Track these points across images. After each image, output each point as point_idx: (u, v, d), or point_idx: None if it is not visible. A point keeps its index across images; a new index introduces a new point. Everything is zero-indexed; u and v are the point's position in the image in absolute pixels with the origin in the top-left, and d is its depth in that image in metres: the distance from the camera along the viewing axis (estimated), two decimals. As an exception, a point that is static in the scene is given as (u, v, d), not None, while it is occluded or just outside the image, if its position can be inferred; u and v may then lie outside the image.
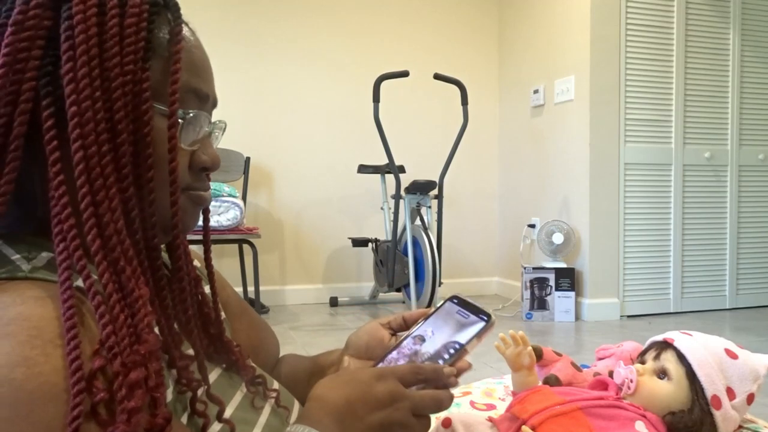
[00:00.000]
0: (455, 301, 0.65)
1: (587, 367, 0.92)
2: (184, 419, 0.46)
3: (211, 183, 0.57)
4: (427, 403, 0.52)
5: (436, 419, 0.81)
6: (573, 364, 0.88)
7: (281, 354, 0.83)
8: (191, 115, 0.49)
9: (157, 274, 0.48)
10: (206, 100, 0.52)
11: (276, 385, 0.63)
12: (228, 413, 0.52)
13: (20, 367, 0.34)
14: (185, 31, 0.50)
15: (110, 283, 0.40)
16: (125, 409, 0.36)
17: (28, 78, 0.41)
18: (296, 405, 0.64)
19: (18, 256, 0.43)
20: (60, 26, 0.42)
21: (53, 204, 0.41)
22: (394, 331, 0.70)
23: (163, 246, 0.54)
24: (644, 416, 0.70)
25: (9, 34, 0.41)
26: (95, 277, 0.41)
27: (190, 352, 0.52)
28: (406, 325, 0.70)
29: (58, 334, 0.37)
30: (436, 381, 0.53)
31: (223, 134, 0.58)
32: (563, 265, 3.15)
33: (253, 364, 0.61)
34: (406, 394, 0.51)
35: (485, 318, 0.59)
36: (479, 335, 0.58)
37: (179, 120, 0.48)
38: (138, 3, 0.45)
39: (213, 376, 0.55)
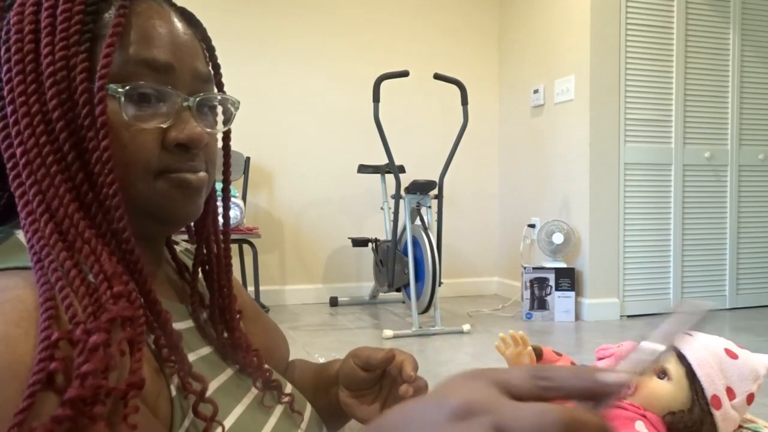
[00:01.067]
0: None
1: (587, 367, 0.92)
2: (186, 422, 0.45)
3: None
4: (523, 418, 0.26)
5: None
6: (573, 364, 0.88)
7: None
8: (147, 90, 0.47)
9: (130, 256, 0.46)
10: (168, 72, 0.48)
11: (290, 388, 0.63)
12: (237, 413, 0.51)
13: (1, 343, 0.35)
14: (141, 6, 0.48)
15: (67, 260, 0.41)
16: (80, 373, 0.35)
17: None
18: (309, 409, 0.64)
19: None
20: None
21: (18, 204, 0.43)
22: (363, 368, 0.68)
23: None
24: (644, 416, 0.70)
25: None
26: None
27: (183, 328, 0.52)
28: (370, 366, 0.67)
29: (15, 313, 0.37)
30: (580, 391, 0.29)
31: (233, 111, 0.56)
32: (563, 265, 3.15)
33: (270, 368, 0.61)
34: (489, 407, 0.27)
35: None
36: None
37: (117, 94, 0.45)
38: None
39: (224, 377, 0.54)
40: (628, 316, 3.17)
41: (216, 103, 0.54)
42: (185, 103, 0.49)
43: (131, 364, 0.39)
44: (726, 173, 3.36)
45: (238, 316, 0.60)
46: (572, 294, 3.10)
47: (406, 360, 0.65)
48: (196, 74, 0.51)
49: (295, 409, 0.60)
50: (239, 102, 0.56)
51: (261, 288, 3.20)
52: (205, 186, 0.53)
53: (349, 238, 3.50)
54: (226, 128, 0.57)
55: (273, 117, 3.52)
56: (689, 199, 3.29)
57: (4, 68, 0.44)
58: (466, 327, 2.82)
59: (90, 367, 0.36)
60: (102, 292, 0.40)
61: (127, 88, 0.46)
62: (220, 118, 0.55)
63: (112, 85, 0.45)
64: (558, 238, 3.11)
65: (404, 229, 2.99)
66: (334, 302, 3.51)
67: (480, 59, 3.94)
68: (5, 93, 0.44)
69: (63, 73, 0.44)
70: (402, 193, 2.95)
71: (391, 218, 3.07)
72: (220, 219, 0.60)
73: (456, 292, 3.84)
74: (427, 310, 2.87)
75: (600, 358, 0.92)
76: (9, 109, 0.43)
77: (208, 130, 0.51)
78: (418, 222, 3.00)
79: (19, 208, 0.43)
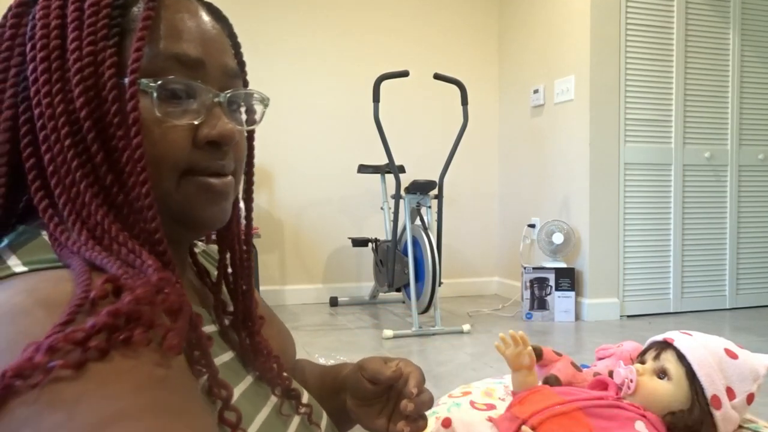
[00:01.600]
0: None
1: (587, 367, 0.92)
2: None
3: None
4: None
5: (435, 419, 0.81)
6: (573, 364, 0.88)
7: None
8: (177, 86, 0.45)
9: (163, 258, 0.45)
10: (198, 67, 0.47)
11: (307, 398, 0.61)
12: (259, 422, 0.50)
13: (19, 295, 0.36)
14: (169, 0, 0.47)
15: (107, 258, 0.40)
16: (134, 296, 0.35)
17: (10, 86, 0.42)
18: (325, 419, 0.63)
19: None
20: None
21: (43, 211, 0.42)
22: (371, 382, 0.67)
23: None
24: (644, 416, 0.70)
25: None
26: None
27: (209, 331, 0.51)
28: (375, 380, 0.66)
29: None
30: None
31: (263, 108, 0.53)
32: (563, 265, 3.15)
33: (289, 376, 0.59)
34: None
35: None
36: None
37: (149, 89, 0.44)
38: None
39: (244, 384, 0.53)
40: (628, 316, 3.17)
41: (244, 101, 0.52)
42: (216, 99, 0.48)
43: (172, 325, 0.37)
44: (726, 173, 3.36)
45: (259, 321, 0.59)
46: (572, 294, 3.10)
47: (412, 374, 0.64)
48: (225, 70, 0.49)
49: (312, 421, 0.58)
50: (269, 99, 0.54)
51: (261, 288, 3.20)
52: (232, 190, 0.51)
53: (349, 238, 3.50)
54: (256, 125, 0.55)
55: (273, 117, 3.52)
56: (689, 199, 3.29)
57: (30, 66, 0.42)
58: (466, 327, 2.82)
59: (142, 291, 0.35)
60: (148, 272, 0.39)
61: (160, 83, 0.44)
62: (243, 116, 0.53)
63: (144, 80, 0.43)
64: (558, 238, 3.11)
65: (404, 229, 2.99)
66: (334, 302, 3.51)
67: (480, 59, 3.94)
68: (31, 93, 0.42)
69: (90, 69, 0.42)
70: (402, 193, 2.95)
71: (391, 218, 3.07)
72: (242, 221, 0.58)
73: (456, 292, 3.84)
74: (427, 310, 2.87)
75: (600, 358, 0.92)
76: (36, 112, 0.42)
77: (239, 127, 0.50)
78: (418, 222, 3.00)
79: (45, 218, 0.42)
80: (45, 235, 0.43)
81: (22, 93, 0.43)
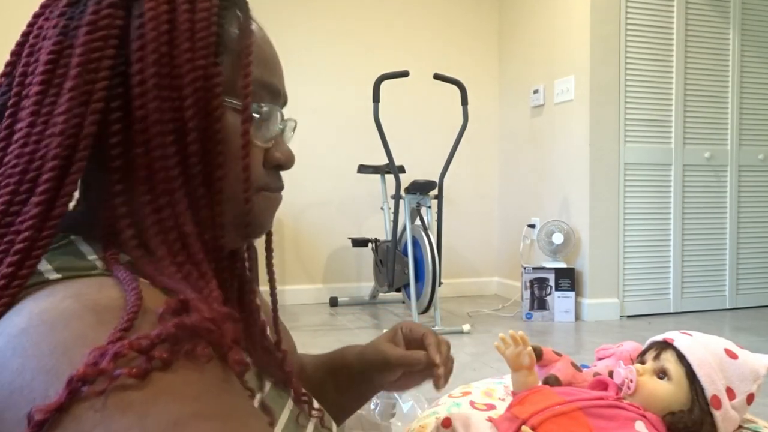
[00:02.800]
0: None
1: (587, 367, 0.92)
2: None
3: None
4: None
5: (435, 419, 0.81)
6: (573, 364, 0.88)
7: None
8: (265, 109, 0.48)
9: (221, 275, 0.46)
10: (278, 96, 0.51)
11: (317, 404, 0.62)
12: (280, 428, 0.50)
13: (71, 299, 0.36)
14: (254, 26, 0.49)
15: (176, 279, 0.40)
16: (202, 317, 0.36)
17: (101, 78, 0.41)
18: (335, 428, 0.63)
19: (94, 255, 0.42)
20: (131, 26, 0.42)
21: (111, 211, 0.42)
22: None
23: None
24: (644, 416, 0.70)
25: (83, 34, 0.41)
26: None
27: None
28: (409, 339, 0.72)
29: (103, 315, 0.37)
30: None
31: (293, 133, 0.57)
32: (563, 265, 3.15)
33: (299, 382, 0.59)
34: None
35: None
36: None
37: (254, 115, 0.47)
38: None
39: (266, 388, 0.53)
40: (628, 316, 3.17)
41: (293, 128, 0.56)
42: (282, 127, 0.52)
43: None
44: (726, 173, 3.36)
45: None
46: (572, 294, 3.10)
47: (430, 346, 0.69)
48: (286, 98, 0.54)
49: (324, 425, 0.59)
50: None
51: (261, 288, 3.19)
52: None
53: (349, 238, 3.50)
54: None
55: (273, 117, 3.51)
56: (689, 199, 3.29)
57: (136, 66, 0.41)
58: (466, 327, 2.82)
59: (210, 313, 0.36)
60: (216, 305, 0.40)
61: (264, 109, 0.48)
62: None
63: (254, 105, 0.47)
64: (558, 238, 3.11)
65: (404, 229, 2.99)
66: (334, 302, 3.51)
67: (480, 59, 3.94)
68: (134, 92, 0.41)
69: (201, 83, 0.43)
70: (402, 193, 2.95)
71: (391, 218, 3.07)
72: None
73: (456, 292, 3.84)
74: (427, 310, 2.87)
75: (600, 358, 0.92)
76: (138, 114, 0.41)
77: None
78: (418, 222, 3.00)
79: (121, 225, 0.41)
80: (76, 240, 0.43)
81: (115, 89, 0.41)
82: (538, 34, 3.54)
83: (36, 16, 0.45)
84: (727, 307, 3.40)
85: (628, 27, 3.13)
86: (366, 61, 3.66)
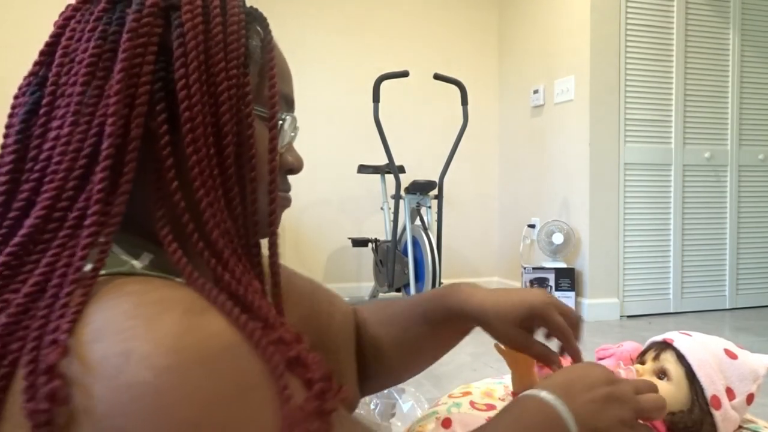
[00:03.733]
0: None
1: (587, 367, 0.92)
2: None
3: None
4: (649, 400, 0.55)
5: (435, 419, 0.81)
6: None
7: None
8: (286, 118, 0.52)
9: (257, 270, 0.49)
10: (292, 105, 0.55)
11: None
12: None
13: (189, 334, 0.36)
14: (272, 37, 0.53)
15: (232, 281, 0.42)
16: (313, 360, 0.39)
17: (143, 82, 0.43)
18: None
19: (126, 255, 0.44)
20: (171, 33, 0.44)
21: (169, 209, 0.43)
22: None
23: None
24: (644, 416, 0.70)
25: (126, 40, 0.43)
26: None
27: None
28: None
29: (202, 306, 0.38)
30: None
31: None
32: (563, 265, 3.14)
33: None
34: (624, 379, 0.57)
35: None
36: None
37: (282, 121, 0.51)
38: (237, 12, 0.48)
39: None
40: (628, 317, 3.17)
41: None
42: (293, 134, 0.56)
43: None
44: (726, 173, 3.36)
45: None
46: (572, 294, 3.10)
47: (566, 341, 0.67)
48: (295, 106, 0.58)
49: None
50: None
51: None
52: None
53: (349, 238, 3.50)
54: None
55: (273, 117, 3.52)
56: (689, 199, 3.29)
57: (180, 72, 0.43)
58: (466, 327, 2.81)
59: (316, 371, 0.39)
60: (266, 312, 0.42)
61: (287, 119, 0.53)
62: None
63: (284, 115, 0.51)
64: (558, 239, 3.11)
65: (404, 229, 2.99)
66: (334, 302, 3.51)
67: (480, 59, 3.94)
68: (180, 97, 0.43)
69: (234, 91, 0.46)
70: (402, 193, 2.95)
71: (391, 218, 3.07)
72: None
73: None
74: (427, 310, 2.86)
75: (600, 359, 0.92)
76: (184, 116, 0.43)
77: None
78: (418, 222, 3.00)
79: (162, 231, 0.43)
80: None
81: (158, 93, 0.43)
82: (538, 34, 3.54)
83: (66, 18, 0.47)
84: (727, 307, 3.39)
85: (628, 27, 3.13)
86: (366, 61, 3.65)
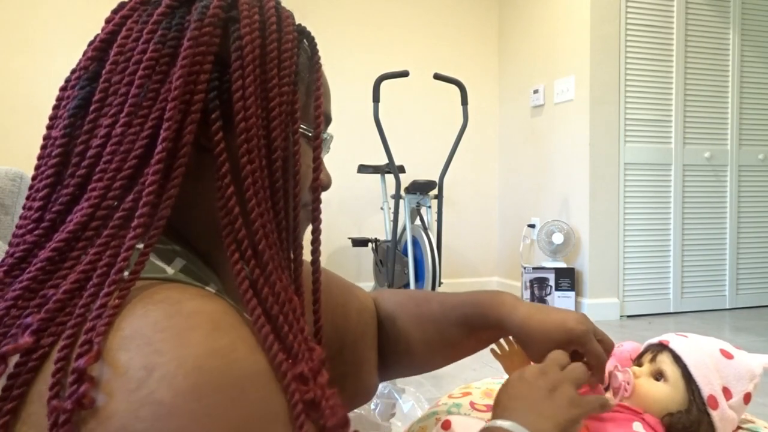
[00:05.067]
0: None
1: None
2: None
3: None
4: (574, 369, 0.60)
5: (435, 419, 0.81)
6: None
7: None
8: (329, 138, 0.54)
9: (296, 283, 0.50)
10: (329, 123, 0.56)
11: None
12: None
13: (215, 356, 0.35)
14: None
15: (270, 296, 0.42)
16: (328, 406, 0.39)
17: (199, 90, 0.43)
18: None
19: (159, 260, 0.43)
20: (229, 45, 0.45)
21: (226, 216, 0.43)
22: None
23: None
24: (642, 418, 0.70)
25: (186, 48, 0.43)
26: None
27: None
28: None
29: (231, 324, 0.38)
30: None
31: None
32: (563, 265, 3.15)
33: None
34: (547, 364, 0.60)
35: None
36: None
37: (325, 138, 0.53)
38: (291, 30, 0.49)
39: None
40: (628, 316, 3.17)
41: None
42: (327, 150, 0.56)
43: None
44: (726, 173, 3.36)
45: None
46: (572, 294, 3.10)
47: (598, 366, 0.67)
48: None
49: None
50: None
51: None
52: None
53: (349, 238, 3.50)
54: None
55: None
56: (689, 199, 3.29)
57: (237, 83, 0.44)
58: (466, 327, 2.81)
59: (335, 402, 0.40)
60: (300, 329, 0.42)
61: (329, 138, 0.54)
62: None
63: (327, 133, 0.53)
64: (558, 238, 3.11)
65: (404, 229, 2.99)
66: (334, 302, 3.51)
67: (480, 59, 3.94)
68: (236, 108, 0.43)
69: (285, 107, 0.47)
70: (402, 193, 2.95)
71: (391, 218, 3.07)
72: None
73: (456, 291, 3.84)
74: (427, 310, 2.86)
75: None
76: (240, 126, 0.43)
77: None
78: (418, 222, 3.00)
79: (228, 227, 0.43)
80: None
81: (212, 101, 0.44)
82: (538, 34, 3.54)
83: (123, 17, 0.46)
84: (727, 307, 3.40)
85: (628, 27, 3.13)
86: (366, 61, 3.66)
